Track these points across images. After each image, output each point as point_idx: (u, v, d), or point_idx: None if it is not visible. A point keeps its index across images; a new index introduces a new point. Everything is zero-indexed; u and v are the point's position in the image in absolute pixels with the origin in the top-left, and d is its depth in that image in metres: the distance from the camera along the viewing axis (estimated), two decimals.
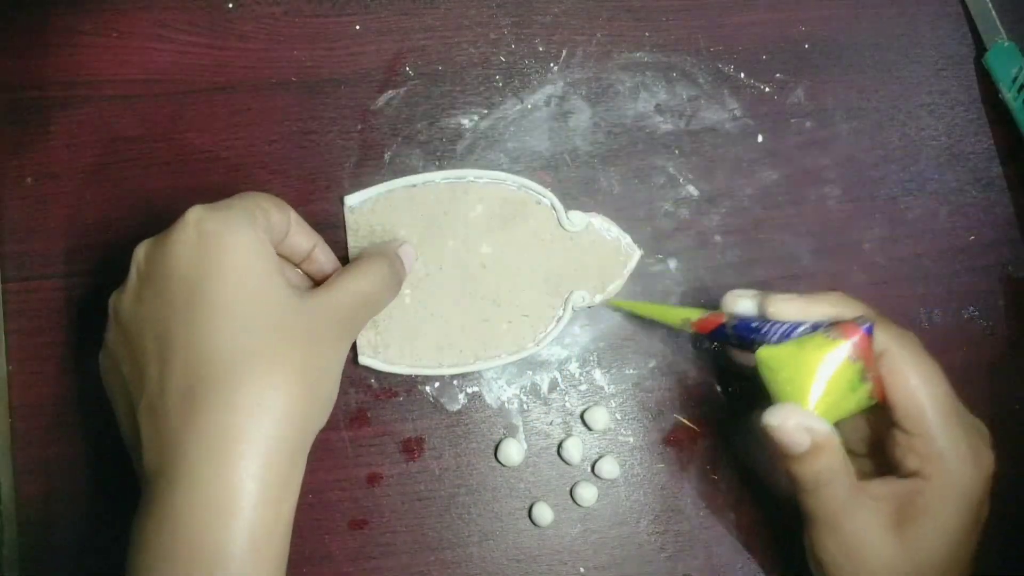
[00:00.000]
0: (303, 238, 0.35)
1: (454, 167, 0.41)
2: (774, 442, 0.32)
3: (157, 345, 0.30)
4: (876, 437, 0.36)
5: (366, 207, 0.40)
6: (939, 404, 0.32)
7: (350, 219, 0.40)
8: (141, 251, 0.31)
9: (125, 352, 0.31)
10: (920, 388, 0.32)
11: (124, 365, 0.31)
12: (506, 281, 0.40)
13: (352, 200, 0.40)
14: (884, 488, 0.33)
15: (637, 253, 0.41)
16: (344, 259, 0.40)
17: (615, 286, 0.41)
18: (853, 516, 0.33)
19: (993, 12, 0.44)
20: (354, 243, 0.40)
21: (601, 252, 0.41)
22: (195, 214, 0.30)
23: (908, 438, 0.33)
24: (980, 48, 0.44)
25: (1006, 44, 0.43)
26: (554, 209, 0.41)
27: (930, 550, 0.32)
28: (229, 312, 0.29)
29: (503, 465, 0.40)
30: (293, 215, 0.34)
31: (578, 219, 0.41)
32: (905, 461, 0.33)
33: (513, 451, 0.39)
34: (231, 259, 0.30)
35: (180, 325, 0.29)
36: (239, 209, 0.31)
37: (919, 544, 0.32)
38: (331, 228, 0.40)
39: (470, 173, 0.41)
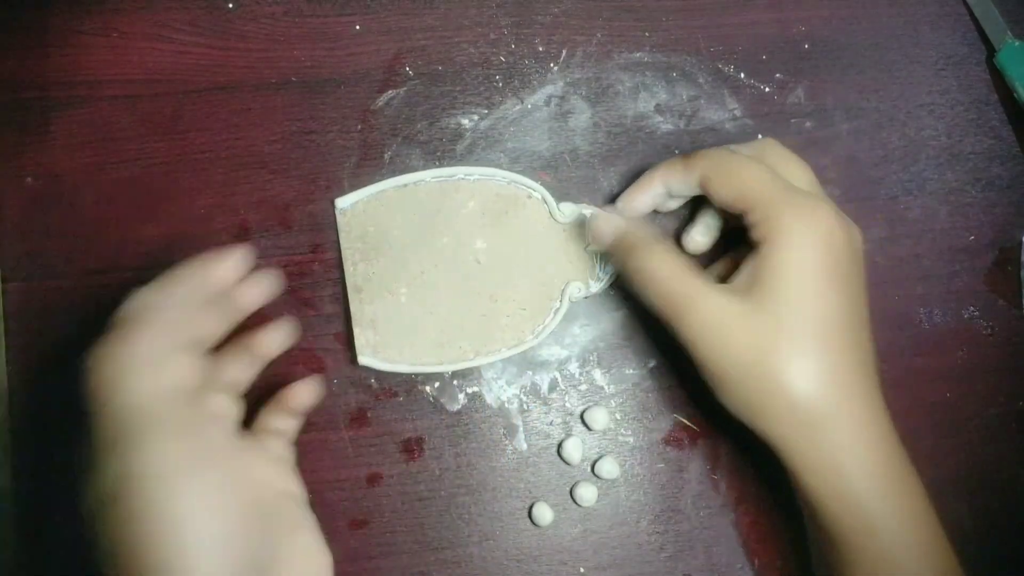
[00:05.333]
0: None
1: (454, 167, 0.41)
2: (594, 239, 0.38)
3: None
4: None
5: (357, 208, 0.40)
6: (764, 179, 0.34)
7: (341, 221, 0.40)
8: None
9: None
10: (745, 175, 0.35)
11: None
12: (502, 276, 0.40)
13: (343, 202, 0.40)
14: (729, 263, 0.36)
15: None
16: (338, 261, 0.40)
17: (611, 275, 0.41)
18: (697, 293, 0.34)
19: (998, 13, 0.44)
20: (347, 245, 0.40)
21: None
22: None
23: (751, 216, 0.34)
24: (989, 48, 0.44)
25: (1017, 44, 0.43)
26: (545, 202, 0.41)
27: (781, 305, 0.33)
28: None
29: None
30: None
31: (569, 210, 0.41)
32: (754, 240, 0.34)
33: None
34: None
35: None
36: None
37: (768, 301, 0.33)
38: (331, 229, 0.40)
39: (460, 170, 0.41)
